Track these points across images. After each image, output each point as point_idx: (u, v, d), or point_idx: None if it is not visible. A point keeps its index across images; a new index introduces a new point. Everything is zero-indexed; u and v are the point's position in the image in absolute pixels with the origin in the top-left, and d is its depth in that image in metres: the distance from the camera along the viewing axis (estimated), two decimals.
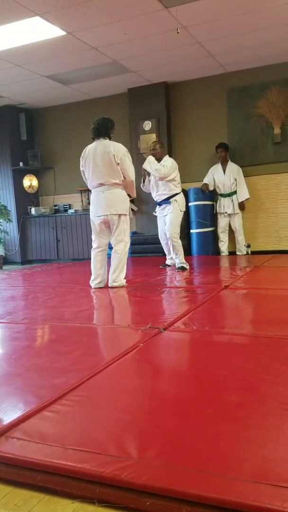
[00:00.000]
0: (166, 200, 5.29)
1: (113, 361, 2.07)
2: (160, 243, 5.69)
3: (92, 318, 3.18)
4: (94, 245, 4.40)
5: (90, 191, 4.40)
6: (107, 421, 1.51)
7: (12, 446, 1.36)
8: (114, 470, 1.19)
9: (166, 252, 5.59)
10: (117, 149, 4.14)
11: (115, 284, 4.25)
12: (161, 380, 1.89)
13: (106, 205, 4.21)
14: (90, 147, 4.26)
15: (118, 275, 4.28)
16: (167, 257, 5.60)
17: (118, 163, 4.12)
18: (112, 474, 1.18)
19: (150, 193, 5.50)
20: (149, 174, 5.28)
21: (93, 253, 4.39)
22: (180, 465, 1.21)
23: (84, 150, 4.32)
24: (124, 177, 4.21)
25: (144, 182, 5.40)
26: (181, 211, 5.28)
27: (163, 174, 5.10)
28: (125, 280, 4.33)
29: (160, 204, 5.40)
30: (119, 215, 4.25)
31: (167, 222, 5.27)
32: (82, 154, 4.32)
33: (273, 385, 1.71)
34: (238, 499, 1.06)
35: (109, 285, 4.28)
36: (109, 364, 2.03)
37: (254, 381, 1.76)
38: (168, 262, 5.59)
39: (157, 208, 5.48)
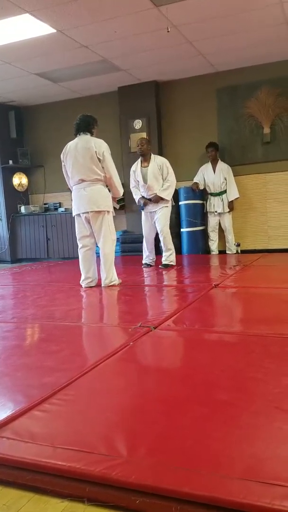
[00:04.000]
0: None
1: (103, 360, 2.07)
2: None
3: (82, 317, 3.17)
4: (80, 244, 4.33)
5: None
6: (97, 420, 1.51)
7: (2, 446, 1.35)
8: (104, 468, 1.19)
9: (149, 251, 5.52)
10: (98, 145, 4.09)
11: (110, 284, 4.19)
12: (151, 379, 1.89)
13: (88, 201, 4.11)
14: (71, 143, 4.22)
15: (111, 275, 4.22)
16: (150, 257, 5.54)
17: (100, 159, 4.06)
18: (102, 473, 1.18)
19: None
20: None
21: (80, 253, 4.33)
22: (170, 463, 1.21)
23: (65, 147, 4.26)
24: (105, 174, 4.12)
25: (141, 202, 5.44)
26: (173, 205, 5.48)
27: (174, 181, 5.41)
28: (118, 278, 4.28)
29: (151, 200, 5.38)
30: (102, 212, 4.15)
31: (162, 217, 5.28)
32: (63, 151, 4.26)
33: (262, 384, 1.72)
34: (228, 496, 1.06)
35: (103, 285, 4.20)
36: (99, 363, 2.03)
37: (243, 380, 1.77)
38: (148, 261, 5.54)
39: (148, 206, 5.43)
